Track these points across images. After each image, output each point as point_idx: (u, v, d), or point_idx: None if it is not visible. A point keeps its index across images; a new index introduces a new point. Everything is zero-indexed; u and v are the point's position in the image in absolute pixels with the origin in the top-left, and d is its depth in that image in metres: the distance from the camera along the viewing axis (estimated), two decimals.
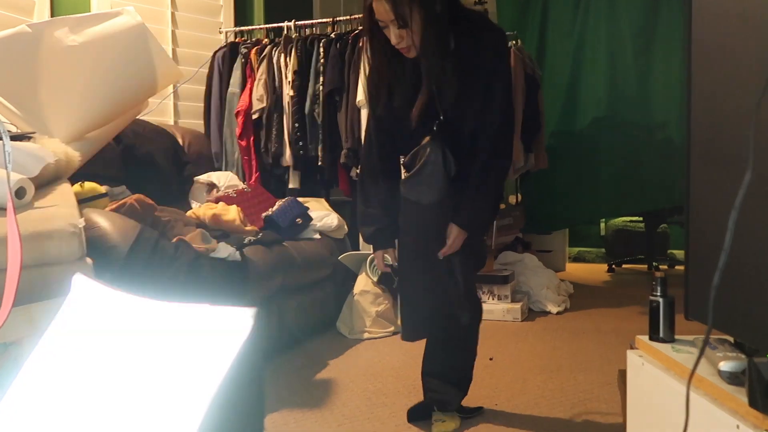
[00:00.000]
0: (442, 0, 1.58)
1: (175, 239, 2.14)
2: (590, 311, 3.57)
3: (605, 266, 5.29)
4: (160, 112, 3.67)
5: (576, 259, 5.80)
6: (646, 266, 5.15)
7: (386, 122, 1.78)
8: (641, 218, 5.24)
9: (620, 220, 5.70)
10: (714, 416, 0.83)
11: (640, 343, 1.13)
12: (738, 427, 0.77)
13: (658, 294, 1.09)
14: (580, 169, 4.47)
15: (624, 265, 5.28)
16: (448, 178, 1.68)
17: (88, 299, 0.86)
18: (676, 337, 1.10)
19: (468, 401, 1.98)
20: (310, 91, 3.45)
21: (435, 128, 1.70)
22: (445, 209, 1.71)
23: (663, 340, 1.08)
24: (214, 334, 0.61)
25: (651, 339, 1.10)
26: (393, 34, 1.59)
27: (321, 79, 3.43)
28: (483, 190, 1.73)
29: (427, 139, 1.71)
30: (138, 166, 2.89)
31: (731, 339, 1.02)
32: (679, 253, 5.58)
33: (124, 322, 0.75)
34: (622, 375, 1.95)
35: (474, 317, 1.89)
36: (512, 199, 4.83)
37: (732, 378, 0.84)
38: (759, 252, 0.85)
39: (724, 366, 0.85)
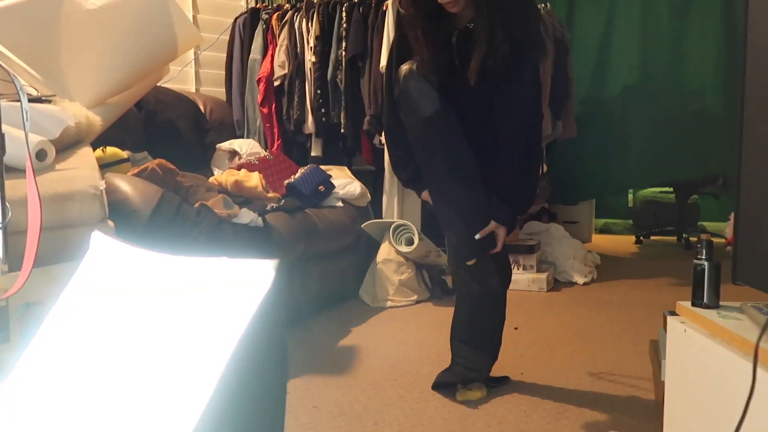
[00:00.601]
0: None
1: (197, 204, 2.12)
2: (618, 282, 3.49)
3: (632, 238, 5.18)
4: (181, 79, 3.64)
5: (602, 230, 5.69)
6: (675, 238, 5.03)
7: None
8: (671, 189, 5.10)
9: (649, 191, 5.56)
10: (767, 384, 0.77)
11: (681, 309, 1.07)
12: None
13: (703, 257, 1.02)
14: (609, 138, 4.34)
15: (652, 237, 5.16)
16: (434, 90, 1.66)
17: (107, 256, 0.83)
18: (721, 303, 1.04)
19: (494, 371, 1.94)
20: (332, 56, 3.38)
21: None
22: (444, 119, 1.67)
23: (707, 306, 1.02)
24: (235, 287, 0.57)
25: (694, 305, 1.04)
26: None
27: (343, 44, 3.35)
28: (518, 179, 1.71)
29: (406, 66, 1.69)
30: (160, 132, 2.87)
31: None
32: (710, 225, 5.43)
33: (143, 278, 0.72)
34: (654, 345, 1.90)
35: (503, 281, 1.85)
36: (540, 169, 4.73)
37: None
38: None
39: None
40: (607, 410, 1.74)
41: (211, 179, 2.70)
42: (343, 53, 3.35)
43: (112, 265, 0.81)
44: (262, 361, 0.59)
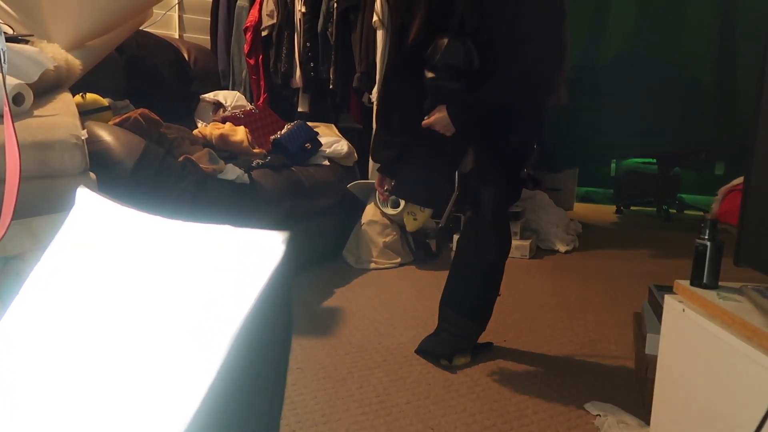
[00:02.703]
0: None
1: (181, 158, 2.05)
2: (598, 252, 3.53)
3: (613, 207, 5.22)
4: (164, 24, 3.49)
5: (584, 199, 5.73)
6: (655, 209, 5.08)
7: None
8: (654, 160, 5.13)
9: (632, 161, 5.59)
10: None
11: (679, 288, 1.06)
12: None
13: (706, 237, 1.01)
14: (600, 107, 4.31)
15: (632, 207, 5.21)
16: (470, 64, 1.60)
17: (95, 214, 0.79)
18: (720, 283, 1.03)
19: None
20: (323, 8, 3.26)
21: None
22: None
23: (706, 286, 1.02)
24: (240, 258, 0.53)
25: (693, 284, 1.03)
26: None
27: None
28: (490, 89, 1.63)
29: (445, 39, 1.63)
30: (142, 79, 2.76)
31: None
32: (689, 198, 5.50)
33: (140, 241, 0.67)
34: (637, 317, 1.92)
35: (500, 253, 1.83)
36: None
37: None
38: None
39: None
40: (588, 379, 1.76)
41: (195, 131, 2.62)
42: (335, 5, 3.23)
43: (101, 224, 0.76)
44: (268, 345, 0.56)
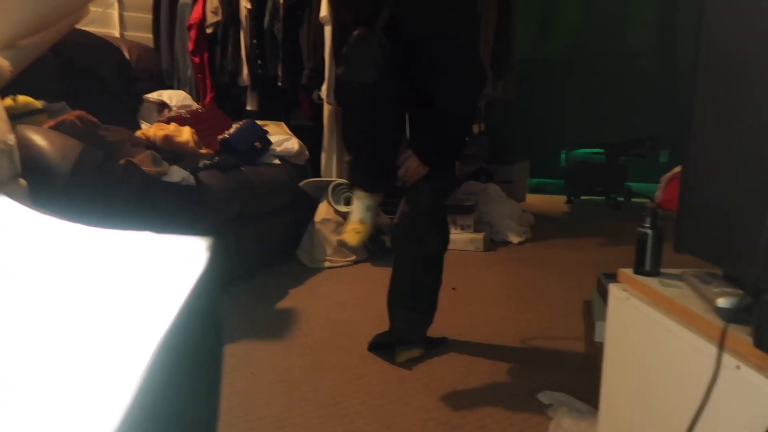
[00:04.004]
0: None
1: (122, 161, 1.97)
2: (551, 242, 3.59)
3: (564, 198, 5.33)
4: (103, 22, 3.36)
5: (535, 190, 5.83)
6: (603, 198, 5.21)
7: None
8: (602, 150, 5.26)
9: (581, 152, 5.72)
10: (710, 355, 0.78)
11: (623, 276, 1.08)
12: (739, 367, 0.72)
13: (648, 225, 1.03)
14: (548, 99, 4.40)
15: (582, 197, 5.33)
16: (383, 59, 1.57)
17: (13, 224, 0.73)
18: (662, 270, 1.05)
19: (432, 332, 1.95)
20: (269, 4, 3.20)
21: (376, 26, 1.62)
22: (384, 92, 1.60)
23: (649, 274, 1.03)
24: (161, 269, 0.50)
25: (636, 272, 1.05)
26: None
27: None
28: (445, 120, 1.66)
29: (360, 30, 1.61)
30: (80, 80, 2.65)
31: (720, 272, 0.97)
32: (636, 185, 5.67)
33: (55, 250, 0.63)
34: (587, 306, 1.95)
35: (441, 245, 1.84)
36: (476, 128, 4.74)
37: (731, 315, 0.79)
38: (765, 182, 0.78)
39: (723, 302, 0.80)
40: (541, 369, 1.79)
41: (137, 133, 2.53)
42: (281, 1, 3.17)
43: (19, 234, 0.71)
44: (194, 355, 0.53)
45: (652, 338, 0.93)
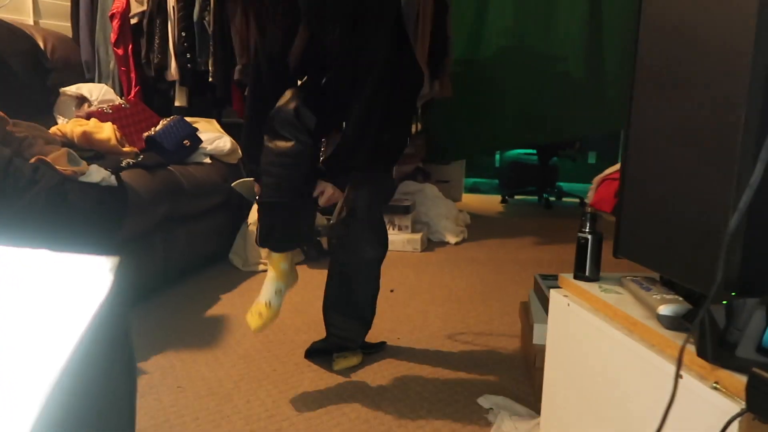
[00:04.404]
0: None
1: (33, 159, 1.81)
2: (486, 242, 3.62)
3: (498, 197, 5.42)
4: (15, 8, 3.11)
5: (471, 189, 5.91)
6: (536, 197, 5.34)
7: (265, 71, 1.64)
8: (534, 151, 5.39)
9: (514, 152, 5.84)
10: (652, 364, 0.77)
11: (564, 282, 1.07)
12: (681, 377, 0.71)
13: (587, 230, 1.02)
14: (483, 99, 4.44)
15: (516, 196, 5.45)
16: (304, 131, 1.54)
17: None
18: (601, 275, 1.05)
19: (370, 336, 1.90)
20: None
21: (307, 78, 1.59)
22: (305, 160, 1.56)
23: (589, 279, 1.02)
24: (58, 299, 0.42)
25: (576, 278, 1.04)
26: None
27: None
28: (359, 141, 1.57)
29: (289, 93, 1.58)
30: None
31: (657, 276, 0.97)
32: (566, 185, 5.85)
33: None
34: (525, 307, 1.96)
35: (379, 251, 1.78)
36: (413, 128, 4.74)
37: (672, 323, 0.78)
38: (704, 188, 0.77)
39: (664, 310, 0.79)
40: (481, 372, 1.77)
41: (53, 129, 2.35)
42: None
43: None
44: (103, 380, 0.46)
45: (594, 345, 0.92)
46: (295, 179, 1.56)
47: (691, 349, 0.72)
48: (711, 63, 0.76)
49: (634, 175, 0.92)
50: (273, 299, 1.62)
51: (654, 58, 0.88)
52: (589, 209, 1.01)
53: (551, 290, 1.07)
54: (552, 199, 5.27)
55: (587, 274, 1.02)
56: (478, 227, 4.00)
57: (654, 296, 0.84)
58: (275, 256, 1.64)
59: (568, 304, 1.00)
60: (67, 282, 0.43)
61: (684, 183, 0.81)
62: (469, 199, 5.36)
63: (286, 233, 1.61)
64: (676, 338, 0.76)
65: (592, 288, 0.99)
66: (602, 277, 1.04)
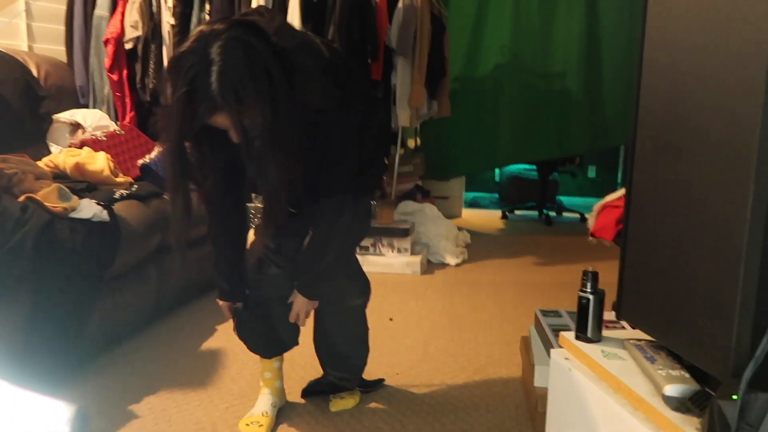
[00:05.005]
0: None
1: (22, 198, 1.78)
2: (487, 262, 3.58)
3: (499, 212, 5.38)
4: (9, 33, 3.09)
5: (471, 204, 5.87)
6: (537, 212, 5.30)
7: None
8: (534, 166, 5.36)
9: (514, 168, 5.81)
10: None
11: (564, 342, 1.03)
12: None
13: (588, 290, 0.98)
14: (480, 116, 4.42)
15: (516, 211, 5.41)
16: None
17: None
18: (603, 334, 1.01)
19: (368, 372, 1.86)
20: (194, 20, 3.03)
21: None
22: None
23: (590, 340, 0.98)
24: None
25: (578, 338, 1.00)
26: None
27: (207, 6, 3.01)
28: (327, 257, 1.48)
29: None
30: None
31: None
32: (567, 200, 5.81)
33: None
34: (525, 342, 1.92)
35: (362, 296, 1.71)
36: (411, 143, 4.71)
37: (679, 405, 0.74)
38: (711, 261, 0.74)
39: (670, 390, 0.75)
40: (481, 413, 1.73)
41: (44, 160, 2.32)
42: (207, 17, 3.01)
43: None
44: None
45: (597, 417, 0.88)
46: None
47: None
48: (716, 131, 0.72)
49: (636, 239, 0.88)
50: (269, 410, 1.66)
51: (656, 121, 0.84)
52: (590, 269, 0.97)
53: (552, 351, 1.03)
54: (552, 214, 5.23)
55: (589, 335, 0.99)
56: (479, 246, 3.96)
57: (659, 371, 0.80)
58: (267, 365, 1.71)
59: (570, 369, 0.96)
60: (25, 429, 0.40)
61: (689, 253, 0.77)
62: (469, 215, 5.32)
63: (269, 340, 1.66)
64: (683, 423, 0.72)
65: (594, 352, 0.95)
66: (605, 338, 1.01)
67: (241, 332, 1.68)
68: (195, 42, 1.10)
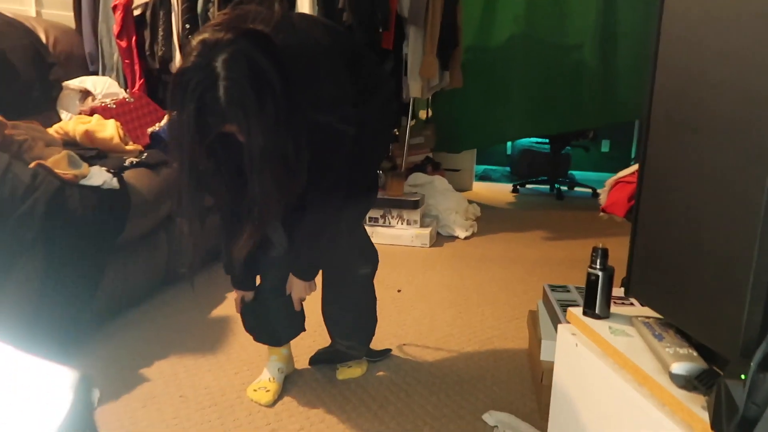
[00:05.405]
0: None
1: (33, 164, 1.78)
2: (496, 236, 3.57)
3: (510, 186, 5.34)
4: None
5: (482, 177, 5.83)
6: (548, 187, 5.26)
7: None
8: (546, 140, 5.29)
9: (526, 141, 5.74)
10: (662, 426, 0.73)
11: (572, 317, 1.02)
12: None
13: (597, 266, 0.97)
14: (493, 88, 4.34)
15: (527, 185, 5.37)
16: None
17: None
18: (611, 311, 1.00)
19: (377, 339, 1.87)
20: None
21: None
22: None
23: (598, 317, 0.98)
24: (18, 412, 0.39)
25: (585, 314, 0.99)
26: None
27: None
28: (320, 235, 1.47)
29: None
30: None
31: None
32: (579, 174, 5.76)
33: None
34: (533, 316, 1.92)
35: (370, 265, 1.72)
36: (423, 115, 4.66)
37: (685, 383, 0.74)
38: (725, 240, 0.72)
39: (677, 368, 0.75)
40: (486, 385, 1.74)
41: (54, 128, 2.32)
42: None
43: None
44: None
45: (602, 393, 0.88)
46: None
47: (704, 418, 0.68)
48: (736, 108, 0.70)
49: (648, 215, 0.87)
50: (276, 376, 1.70)
51: (671, 98, 0.82)
52: (600, 245, 0.96)
53: (559, 326, 1.02)
54: (564, 188, 5.18)
55: (597, 311, 0.98)
56: (489, 220, 3.94)
57: (666, 348, 0.80)
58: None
59: (576, 345, 0.96)
60: (27, 394, 0.40)
61: (702, 231, 0.76)
62: (479, 188, 5.29)
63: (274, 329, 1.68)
64: (689, 401, 0.72)
65: (601, 328, 0.95)
66: (613, 314, 1.00)
67: (248, 323, 1.69)
68: (199, 56, 1.11)
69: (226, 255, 1.54)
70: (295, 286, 1.53)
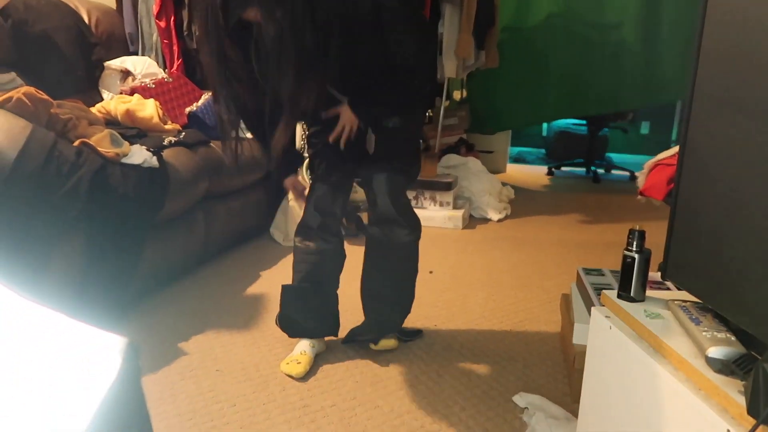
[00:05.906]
0: None
1: (77, 142, 1.84)
2: (530, 219, 3.54)
3: (545, 168, 5.27)
4: None
5: (516, 159, 5.76)
6: (585, 169, 5.17)
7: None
8: (584, 121, 5.18)
9: (563, 122, 5.64)
10: (697, 411, 0.72)
11: (606, 300, 1.01)
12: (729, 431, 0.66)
13: (634, 249, 0.95)
14: (530, 68, 4.26)
15: (563, 168, 5.28)
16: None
17: None
18: (647, 295, 0.99)
19: (408, 322, 1.89)
20: None
21: None
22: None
23: (633, 300, 0.97)
24: (70, 376, 0.41)
25: (620, 297, 0.98)
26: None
27: None
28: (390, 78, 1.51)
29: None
30: (32, 47, 2.46)
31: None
32: (617, 157, 5.63)
33: None
34: (566, 299, 1.90)
35: (413, 233, 1.74)
36: (457, 95, 4.62)
37: (722, 367, 0.73)
38: None
39: (714, 352, 0.74)
40: (518, 368, 1.74)
41: (97, 107, 2.38)
42: None
43: None
44: None
45: (635, 376, 0.87)
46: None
47: (740, 403, 0.67)
48: None
49: (688, 198, 0.85)
50: (308, 350, 1.74)
51: (716, 78, 0.79)
52: (637, 227, 0.95)
53: (593, 309, 1.02)
54: (601, 171, 5.09)
55: (632, 294, 0.97)
56: (522, 203, 3.90)
57: (704, 332, 0.79)
58: None
59: (610, 327, 0.95)
60: (78, 359, 0.42)
61: (743, 215, 0.74)
62: (513, 171, 5.23)
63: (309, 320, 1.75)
64: (725, 385, 0.71)
65: (636, 311, 0.94)
66: (649, 298, 0.99)
67: (287, 312, 1.76)
68: None
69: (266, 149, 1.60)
70: (345, 113, 1.56)
